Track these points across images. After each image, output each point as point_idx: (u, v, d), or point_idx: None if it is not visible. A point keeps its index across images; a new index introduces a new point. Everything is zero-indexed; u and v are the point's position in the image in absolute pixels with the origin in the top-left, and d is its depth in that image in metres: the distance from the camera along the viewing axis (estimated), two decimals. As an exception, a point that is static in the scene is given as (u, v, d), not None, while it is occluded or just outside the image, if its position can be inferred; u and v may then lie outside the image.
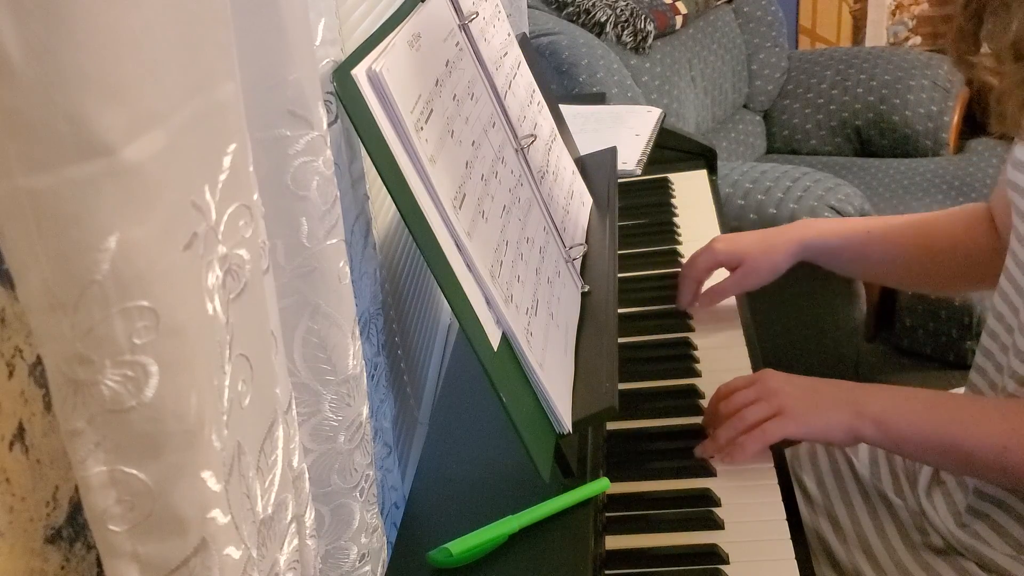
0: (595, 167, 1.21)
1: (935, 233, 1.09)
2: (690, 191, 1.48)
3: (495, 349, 0.69)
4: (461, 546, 0.69)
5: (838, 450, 1.10)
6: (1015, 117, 0.78)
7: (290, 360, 0.57)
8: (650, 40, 2.30)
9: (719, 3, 2.62)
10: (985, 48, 0.81)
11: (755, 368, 1.03)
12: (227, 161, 0.40)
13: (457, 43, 0.84)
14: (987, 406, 0.87)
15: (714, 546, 0.78)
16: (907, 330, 1.88)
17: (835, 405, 0.86)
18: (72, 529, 0.41)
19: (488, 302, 0.71)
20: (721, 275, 1.15)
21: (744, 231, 1.18)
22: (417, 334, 1.00)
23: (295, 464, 0.49)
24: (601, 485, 0.77)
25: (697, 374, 1.03)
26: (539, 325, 0.78)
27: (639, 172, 1.45)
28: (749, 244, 1.13)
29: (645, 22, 2.29)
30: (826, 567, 1.04)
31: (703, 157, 1.57)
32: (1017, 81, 0.76)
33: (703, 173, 1.53)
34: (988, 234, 1.06)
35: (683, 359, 1.05)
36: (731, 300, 1.15)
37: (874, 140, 2.59)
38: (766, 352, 1.07)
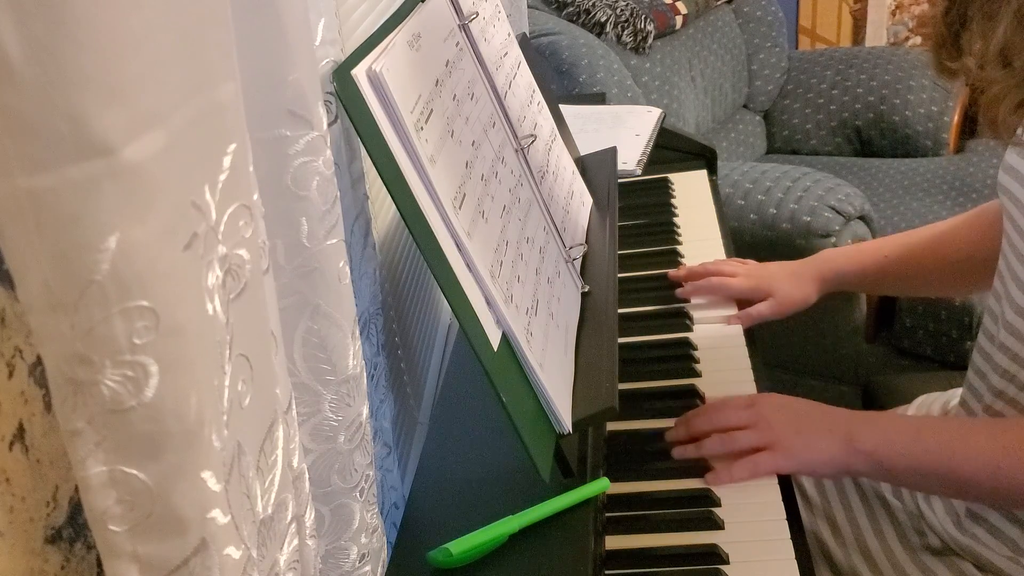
0: (595, 167, 1.21)
1: (953, 244, 1.10)
2: (690, 191, 1.48)
3: (495, 349, 0.69)
4: (461, 546, 0.69)
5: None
6: (1007, 122, 0.78)
7: (290, 360, 0.57)
8: (650, 40, 2.30)
9: (719, 3, 2.62)
10: (967, 55, 0.81)
11: (755, 369, 1.03)
12: (227, 161, 0.40)
13: (457, 43, 0.84)
14: (975, 428, 0.87)
15: (714, 546, 0.78)
16: (907, 331, 1.88)
17: (827, 441, 0.85)
18: (72, 529, 0.41)
19: (488, 302, 0.71)
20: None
21: (761, 261, 1.19)
22: (417, 334, 1.00)
23: (295, 464, 0.48)
24: (601, 485, 0.77)
25: (697, 374, 1.03)
26: (539, 325, 0.78)
27: (639, 172, 1.45)
28: (775, 275, 1.15)
29: (645, 22, 2.29)
30: (824, 570, 1.04)
31: (703, 157, 1.57)
32: (1008, 87, 0.76)
33: (703, 173, 1.53)
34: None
35: (683, 359, 1.05)
36: (731, 301, 1.16)
37: (874, 140, 2.59)
38: (766, 352, 1.07)
